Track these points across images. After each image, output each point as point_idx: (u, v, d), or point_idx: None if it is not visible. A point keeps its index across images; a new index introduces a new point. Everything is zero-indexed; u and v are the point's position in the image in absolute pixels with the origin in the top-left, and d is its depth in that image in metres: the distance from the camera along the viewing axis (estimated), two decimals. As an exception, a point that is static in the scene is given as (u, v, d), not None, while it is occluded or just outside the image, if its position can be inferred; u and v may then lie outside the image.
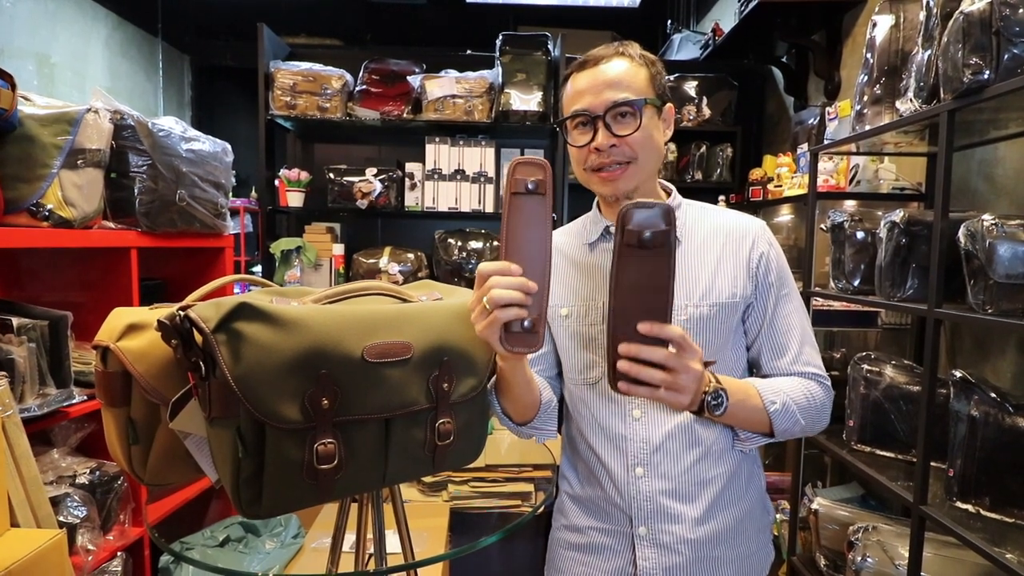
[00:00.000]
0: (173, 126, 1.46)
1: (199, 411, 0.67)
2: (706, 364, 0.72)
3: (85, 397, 1.24)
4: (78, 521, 1.19)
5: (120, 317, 0.74)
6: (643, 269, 0.65)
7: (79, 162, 1.20)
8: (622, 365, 0.65)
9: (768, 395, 0.79)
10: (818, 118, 2.14)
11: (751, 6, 2.21)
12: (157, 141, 1.39)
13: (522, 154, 2.64)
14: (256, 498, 0.64)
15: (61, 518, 1.16)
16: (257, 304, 0.63)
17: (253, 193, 5.19)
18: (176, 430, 0.71)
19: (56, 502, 1.16)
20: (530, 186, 0.65)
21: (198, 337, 0.63)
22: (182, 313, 0.63)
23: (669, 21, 3.59)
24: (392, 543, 0.88)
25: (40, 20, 3.64)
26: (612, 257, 0.65)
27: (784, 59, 2.62)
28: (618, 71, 0.80)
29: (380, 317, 0.69)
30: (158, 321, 0.64)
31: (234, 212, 5.07)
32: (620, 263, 0.65)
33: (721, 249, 0.85)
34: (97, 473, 1.26)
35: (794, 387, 0.82)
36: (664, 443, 0.82)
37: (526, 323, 0.65)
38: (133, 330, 0.73)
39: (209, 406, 0.64)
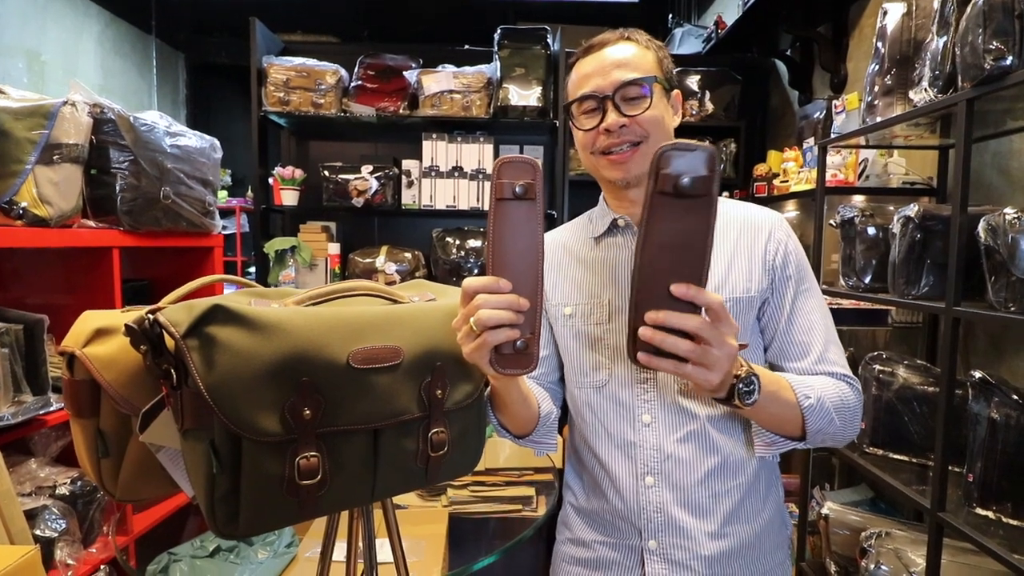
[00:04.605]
0: (157, 120, 1.41)
1: (172, 422, 0.62)
2: (739, 347, 0.64)
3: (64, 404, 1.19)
4: (56, 535, 1.13)
5: (88, 321, 0.69)
6: (678, 222, 0.56)
7: (55, 157, 1.15)
8: (645, 332, 0.56)
9: (801, 389, 0.72)
10: (824, 112, 2.09)
11: (755, -3, 2.16)
12: (140, 136, 1.33)
13: (521, 151, 2.59)
14: (232, 517, 0.59)
15: (38, 532, 1.11)
16: (232, 306, 0.58)
17: (249, 192, 5.14)
18: (147, 443, 0.66)
19: (33, 515, 1.11)
20: (518, 190, 0.58)
21: (169, 342, 0.58)
22: (151, 317, 0.58)
23: (670, 15, 3.54)
24: (386, 552, 0.83)
25: (30, 16, 3.58)
26: (643, 207, 0.57)
27: (788, 52, 2.57)
28: (626, 53, 0.77)
29: (367, 320, 0.64)
30: (125, 326, 0.59)
31: (230, 212, 5.01)
32: (651, 214, 0.56)
33: (735, 242, 0.80)
34: (78, 483, 1.20)
35: (826, 385, 0.75)
36: (676, 451, 0.77)
37: (518, 343, 0.59)
38: (101, 335, 0.67)
39: (181, 417, 0.59)
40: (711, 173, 0.56)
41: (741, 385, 0.64)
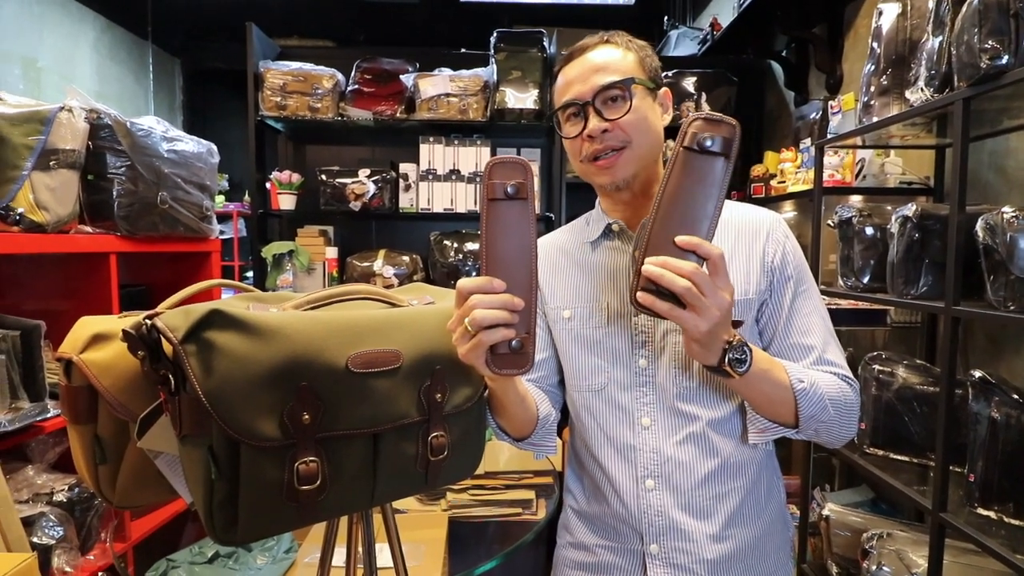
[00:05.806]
0: (154, 125, 1.41)
1: (170, 428, 0.62)
2: (735, 324, 0.66)
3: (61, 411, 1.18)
4: (54, 542, 1.12)
5: (86, 327, 0.69)
6: (694, 179, 0.63)
7: (52, 163, 1.14)
8: (648, 267, 0.60)
9: (795, 373, 0.72)
10: (820, 112, 2.09)
11: (750, -1, 2.17)
12: (136, 141, 1.33)
13: (518, 153, 2.59)
14: (231, 523, 0.58)
15: (36, 539, 1.10)
16: (230, 311, 0.58)
17: (247, 197, 5.13)
18: (145, 449, 0.66)
19: (30, 522, 1.10)
20: (509, 190, 0.59)
21: (167, 348, 0.57)
22: (148, 322, 0.58)
23: (666, 17, 3.55)
24: (385, 557, 0.83)
25: (25, 23, 3.58)
26: (668, 162, 0.64)
27: (784, 53, 2.58)
28: (605, 57, 0.77)
29: (366, 324, 0.63)
30: (123, 331, 0.59)
31: (227, 216, 5.01)
32: (674, 169, 0.63)
33: (734, 243, 0.79)
34: (76, 490, 1.20)
35: (824, 377, 0.75)
36: (676, 453, 0.77)
37: (514, 343, 0.59)
38: (99, 341, 0.67)
39: (179, 423, 0.59)
40: (732, 137, 0.64)
41: (733, 352, 0.65)
